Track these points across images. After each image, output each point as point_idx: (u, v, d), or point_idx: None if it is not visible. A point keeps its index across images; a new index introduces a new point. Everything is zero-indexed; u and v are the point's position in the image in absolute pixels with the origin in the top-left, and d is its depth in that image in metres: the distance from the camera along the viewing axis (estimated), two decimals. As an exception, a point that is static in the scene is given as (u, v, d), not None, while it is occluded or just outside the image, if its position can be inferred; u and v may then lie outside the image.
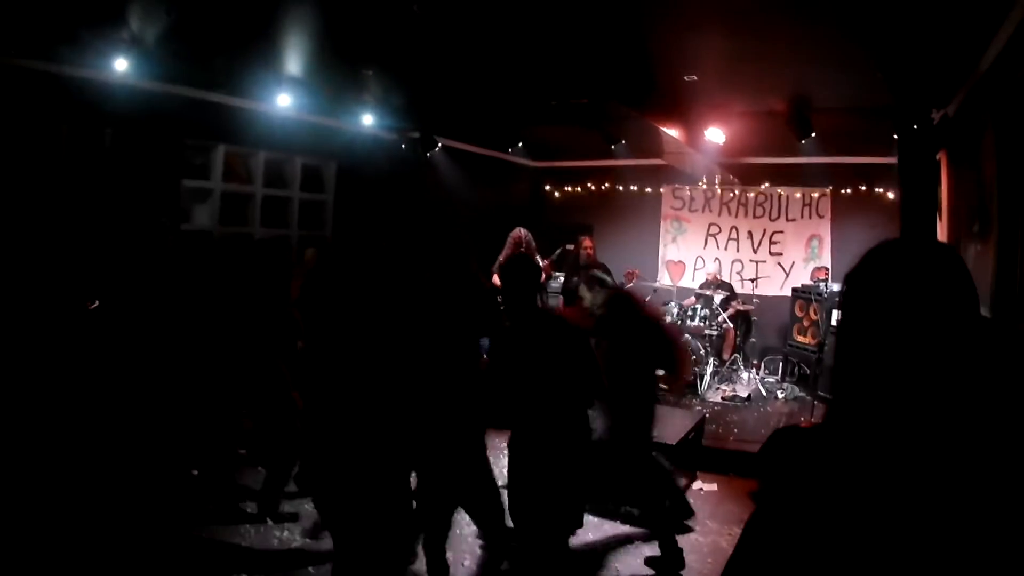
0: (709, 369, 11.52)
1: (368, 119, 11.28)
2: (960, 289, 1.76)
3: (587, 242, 11.03)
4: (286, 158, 11.11)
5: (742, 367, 12.46)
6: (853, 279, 1.85)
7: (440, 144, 12.63)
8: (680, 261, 14.97)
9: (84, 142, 8.33)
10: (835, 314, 10.23)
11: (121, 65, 7.77)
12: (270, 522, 6.55)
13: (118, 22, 7.13)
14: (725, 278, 13.56)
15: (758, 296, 12.90)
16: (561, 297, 11.25)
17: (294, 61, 8.64)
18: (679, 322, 11.92)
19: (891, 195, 12.00)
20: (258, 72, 8.98)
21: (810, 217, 13.56)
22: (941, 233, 8.72)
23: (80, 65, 7.90)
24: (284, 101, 9.54)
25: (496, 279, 11.00)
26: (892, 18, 6.28)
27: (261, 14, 7.02)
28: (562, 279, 12.68)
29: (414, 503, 5.36)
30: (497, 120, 12.17)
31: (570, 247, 11.97)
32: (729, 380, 12.12)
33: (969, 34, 6.18)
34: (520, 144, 13.42)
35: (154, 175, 8.99)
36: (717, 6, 6.65)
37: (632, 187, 15.28)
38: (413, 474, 5.42)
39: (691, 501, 7.43)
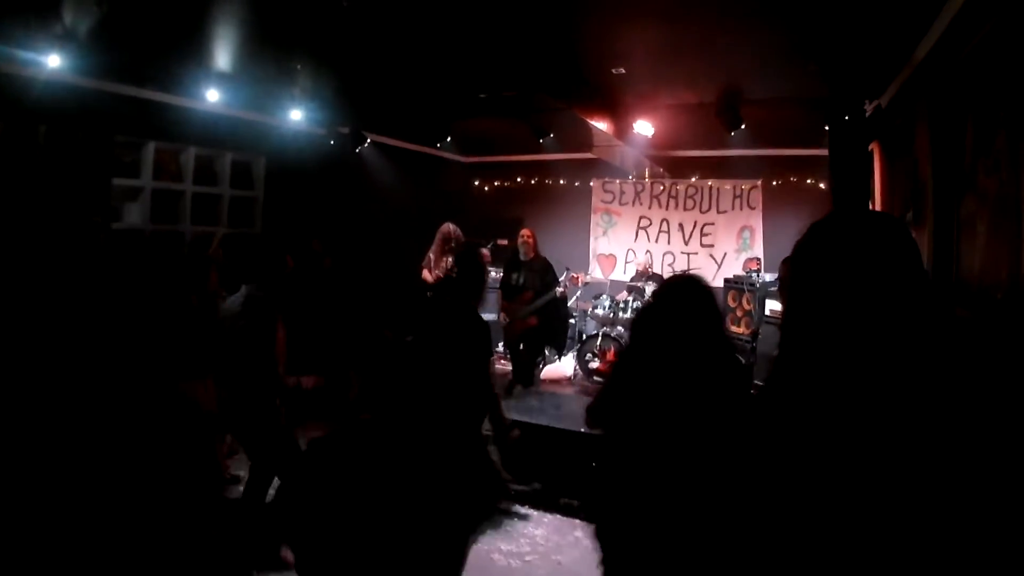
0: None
1: (297, 114, 11.11)
2: (903, 253, 1.83)
3: (527, 233, 10.87)
4: (216, 154, 10.88)
5: (676, 358, 12.48)
6: (801, 251, 1.94)
7: (369, 139, 12.46)
8: (611, 254, 14.99)
9: (19, 138, 8.10)
10: (768, 304, 10.32)
11: (55, 61, 7.58)
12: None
13: (51, 16, 6.93)
14: (657, 270, 13.60)
15: (690, 287, 12.92)
16: (500, 291, 11.11)
17: (223, 56, 8.48)
18: (612, 315, 11.91)
19: (823, 186, 12.14)
20: (188, 67, 8.81)
21: (741, 209, 13.64)
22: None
23: (15, 61, 7.67)
24: (213, 96, 9.38)
25: (425, 274, 10.96)
26: (825, 9, 6.31)
27: (191, 8, 6.86)
28: (495, 273, 12.63)
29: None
30: (426, 114, 12.10)
31: (502, 242, 11.88)
32: (664, 371, 12.11)
33: (904, 25, 6.24)
34: (449, 139, 13.38)
35: (86, 172, 8.76)
36: (647, 2, 6.64)
37: (561, 181, 15.32)
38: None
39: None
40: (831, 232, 1.91)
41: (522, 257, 10.67)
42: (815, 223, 1.94)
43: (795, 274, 1.95)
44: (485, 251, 8.13)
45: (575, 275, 11.63)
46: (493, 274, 12.61)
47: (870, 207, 8.96)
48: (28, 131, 8.20)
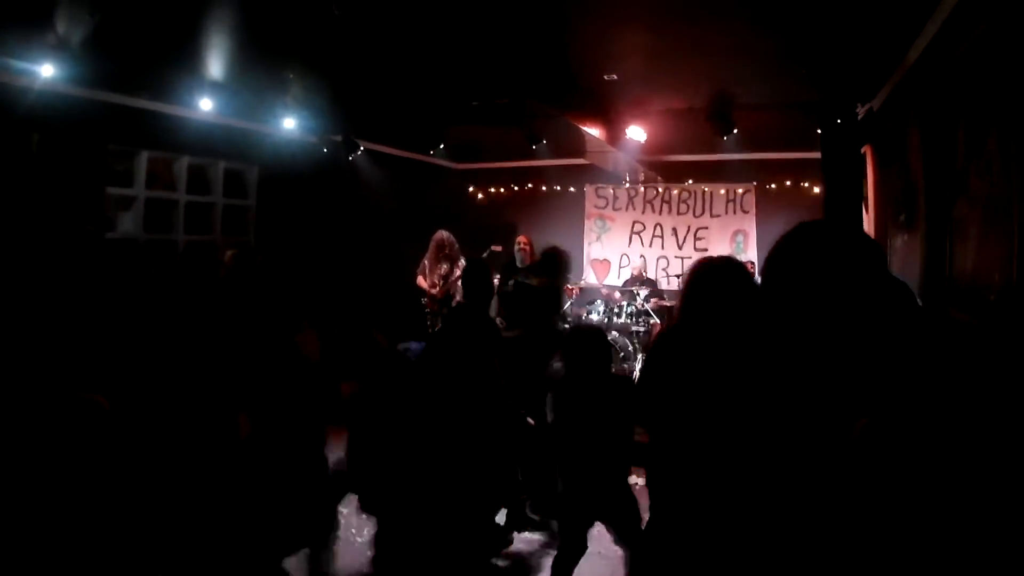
0: (638, 365, 11.50)
1: (290, 123, 11.07)
2: (865, 262, 1.98)
3: (523, 240, 10.85)
4: (209, 163, 10.86)
5: (671, 362, 12.46)
6: (772, 257, 2.13)
7: (362, 147, 12.46)
8: (605, 259, 15.03)
9: (12, 147, 8.09)
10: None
11: (48, 70, 7.57)
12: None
13: (44, 25, 6.92)
14: (651, 275, 13.64)
15: (685, 292, 12.93)
16: (496, 299, 11.13)
17: (216, 65, 8.46)
18: (606, 320, 11.91)
19: (816, 189, 12.20)
20: (180, 76, 8.78)
21: (735, 213, 13.69)
22: (868, 225, 8.85)
23: (8, 70, 7.66)
24: (206, 105, 9.34)
25: (420, 281, 11.00)
26: (817, 13, 6.32)
27: (183, 17, 6.86)
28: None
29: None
30: (419, 122, 12.09)
31: (497, 248, 11.88)
32: (659, 375, 12.09)
33: (896, 28, 6.25)
34: (442, 146, 13.38)
35: (80, 181, 8.76)
36: (637, 5, 6.64)
37: (555, 187, 15.37)
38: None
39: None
40: (797, 244, 2.07)
41: (519, 264, 10.67)
42: (785, 235, 2.11)
43: (765, 281, 2.12)
44: None
45: (568, 287, 11.63)
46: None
47: (863, 210, 8.98)
48: (21, 140, 8.18)
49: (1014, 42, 4.24)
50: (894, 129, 7.77)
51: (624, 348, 11.34)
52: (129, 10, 6.62)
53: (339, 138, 12.24)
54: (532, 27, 7.21)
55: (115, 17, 6.72)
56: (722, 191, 13.77)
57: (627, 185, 14.59)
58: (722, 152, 11.95)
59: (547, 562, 6.14)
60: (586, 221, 15.27)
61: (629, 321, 11.83)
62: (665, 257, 14.36)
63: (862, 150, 8.94)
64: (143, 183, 9.88)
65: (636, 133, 10.87)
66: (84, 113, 8.67)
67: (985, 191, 5.09)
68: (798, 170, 12.57)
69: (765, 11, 6.47)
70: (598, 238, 15.15)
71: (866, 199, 9.08)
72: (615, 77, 9.05)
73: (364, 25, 7.07)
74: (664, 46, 7.80)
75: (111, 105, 9.03)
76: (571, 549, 4.99)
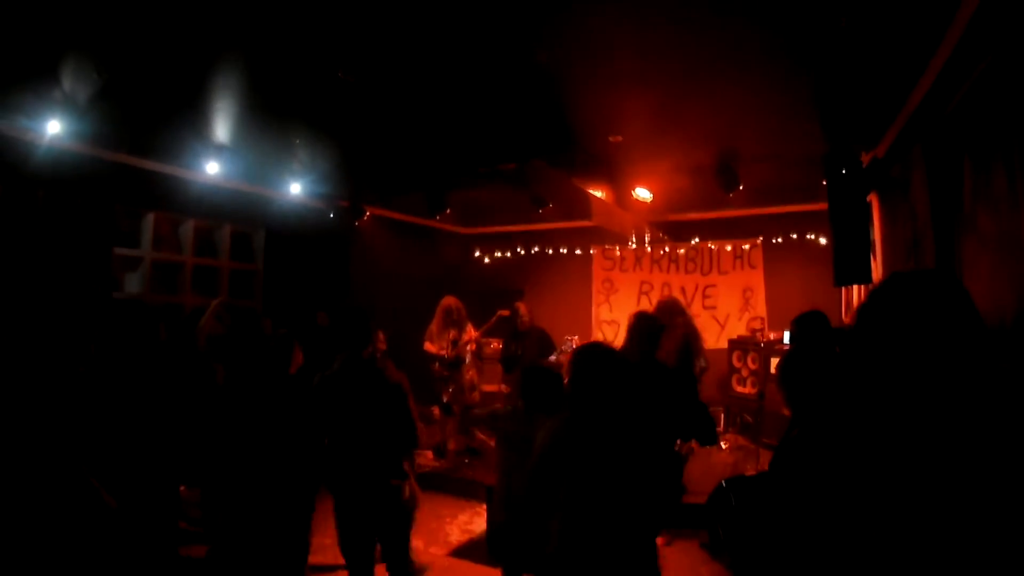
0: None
1: (296, 187, 11.13)
2: (964, 314, 1.99)
3: (521, 307, 11.09)
4: (215, 225, 10.95)
5: (683, 420, 12.39)
6: (869, 308, 2.12)
7: (368, 212, 12.52)
8: (614, 320, 14.96)
9: (19, 203, 8.12)
10: (774, 362, 10.28)
11: (54, 127, 7.61)
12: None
13: (51, 82, 6.96)
14: (660, 335, 13.58)
15: (695, 350, 12.90)
16: (501, 364, 11.26)
17: (223, 128, 8.51)
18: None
19: (823, 240, 12.15)
20: (187, 138, 8.83)
21: (742, 269, 13.62)
22: (876, 271, 8.79)
23: (13, 125, 7.70)
24: (212, 168, 9.41)
25: (428, 346, 11.02)
26: (820, 64, 6.35)
27: (191, 79, 6.95)
28: (496, 346, 12.65)
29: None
30: (425, 187, 12.13)
31: (504, 312, 11.91)
32: (672, 434, 12.02)
33: (897, 73, 6.26)
34: (448, 211, 13.45)
35: (86, 240, 8.81)
36: (640, 67, 6.69)
37: (562, 249, 15.38)
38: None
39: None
40: (896, 295, 2.05)
41: (521, 330, 10.86)
42: (879, 285, 2.15)
43: (860, 333, 2.14)
44: None
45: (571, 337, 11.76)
46: (493, 346, 12.76)
47: (872, 257, 8.96)
48: (27, 196, 8.18)
49: (1017, 79, 4.25)
50: (899, 174, 7.78)
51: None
52: (136, 70, 6.68)
53: (346, 203, 12.30)
54: (536, 92, 7.27)
55: (122, 76, 6.77)
56: (728, 247, 13.74)
57: (633, 246, 14.59)
58: (727, 208, 11.98)
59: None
60: (594, 283, 15.25)
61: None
62: (674, 316, 14.30)
63: (868, 198, 8.93)
64: (149, 244, 9.98)
65: (643, 193, 10.90)
66: (91, 172, 8.72)
67: (994, 230, 5.07)
68: (804, 222, 12.55)
69: (767, 67, 6.51)
70: (606, 299, 15.11)
71: (874, 247, 9.06)
72: (620, 139, 9.08)
73: (370, 91, 7.14)
74: (668, 106, 7.83)
75: (118, 165, 9.09)
76: None
